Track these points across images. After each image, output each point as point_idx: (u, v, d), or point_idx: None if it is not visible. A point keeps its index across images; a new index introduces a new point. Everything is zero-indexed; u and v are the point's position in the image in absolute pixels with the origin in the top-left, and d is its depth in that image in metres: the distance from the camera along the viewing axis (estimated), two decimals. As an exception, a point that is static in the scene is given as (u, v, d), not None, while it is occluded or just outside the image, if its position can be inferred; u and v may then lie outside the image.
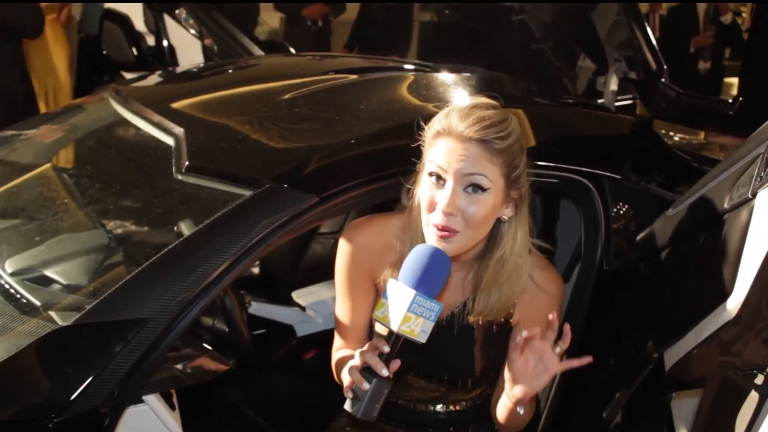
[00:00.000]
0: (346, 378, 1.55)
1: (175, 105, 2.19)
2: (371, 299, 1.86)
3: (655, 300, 1.97)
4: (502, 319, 1.81)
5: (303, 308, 2.65)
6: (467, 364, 1.82)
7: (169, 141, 1.97)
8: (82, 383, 1.51)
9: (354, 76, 2.32)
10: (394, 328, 1.48)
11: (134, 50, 4.21)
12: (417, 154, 1.74)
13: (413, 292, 1.47)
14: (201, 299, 1.64)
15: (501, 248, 1.70)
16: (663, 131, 3.27)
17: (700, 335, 1.68)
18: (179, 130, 1.96)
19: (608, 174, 2.14)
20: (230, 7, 3.76)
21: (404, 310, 1.47)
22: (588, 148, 2.25)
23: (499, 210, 1.65)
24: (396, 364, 1.52)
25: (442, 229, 1.57)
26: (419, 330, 1.48)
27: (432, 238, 1.60)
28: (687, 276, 1.82)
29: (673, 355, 1.81)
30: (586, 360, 1.56)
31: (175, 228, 1.85)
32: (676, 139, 3.40)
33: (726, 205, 1.65)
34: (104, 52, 4.51)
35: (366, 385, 1.49)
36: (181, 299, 1.60)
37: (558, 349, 1.55)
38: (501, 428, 1.83)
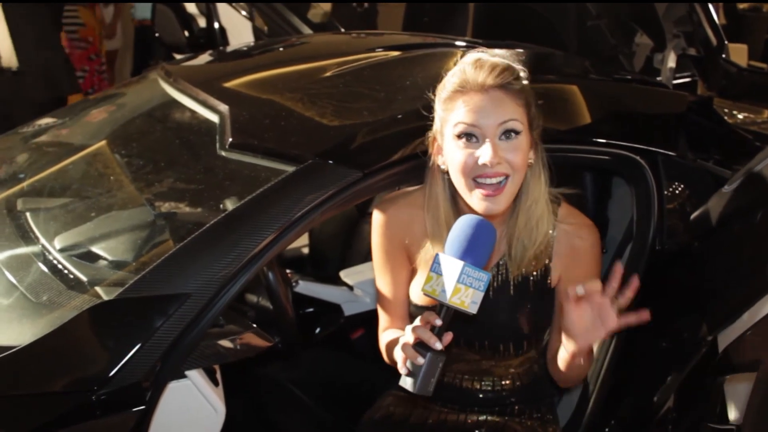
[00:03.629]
0: (399, 355, 1.54)
1: (221, 83, 2.19)
2: (408, 272, 1.87)
3: (709, 281, 1.91)
4: (538, 276, 1.81)
5: (351, 287, 2.64)
6: (506, 326, 1.81)
7: (215, 118, 1.97)
8: (123, 357, 1.52)
9: (399, 53, 2.29)
10: (445, 300, 1.47)
11: (186, 32, 4.23)
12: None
13: (461, 263, 1.47)
14: (243, 275, 1.64)
15: (530, 194, 1.72)
16: (726, 110, 3.16)
17: (755, 317, 1.62)
18: (224, 108, 1.96)
19: (662, 151, 2.08)
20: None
21: (454, 281, 1.46)
22: (641, 125, 2.18)
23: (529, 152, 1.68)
24: (448, 336, 1.52)
25: (494, 176, 1.59)
26: (469, 301, 1.48)
27: (478, 201, 1.62)
28: (742, 255, 1.76)
29: (726, 338, 1.75)
30: (644, 316, 1.52)
31: (221, 206, 1.85)
32: (741, 117, 3.28)
33: (784, 181, 1.59)
34: (156, 35, 4.55)
35: (420, 360, 1.49)
36: (222, 274, 1.61)
37: (618, 305, 1.51)
38: (561, 380, 1.85)
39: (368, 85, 2.07)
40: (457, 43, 2.61)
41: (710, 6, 2.93)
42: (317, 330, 2.57)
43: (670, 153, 2.09)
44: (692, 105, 2.50)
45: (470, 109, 1.59)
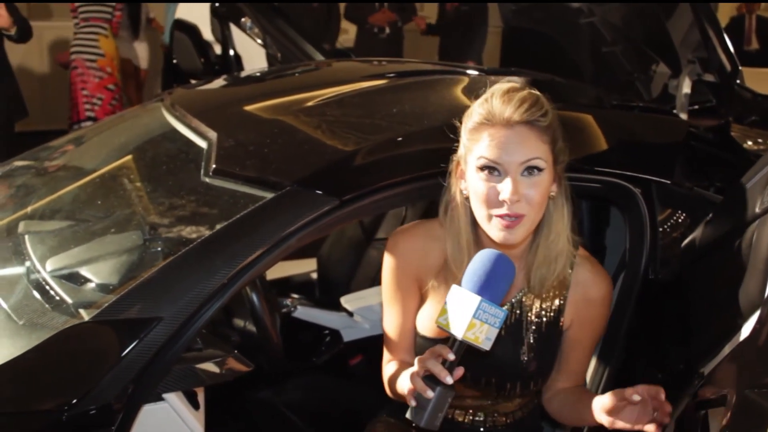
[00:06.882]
0: (405, 386, 1.51)
1: (216, 111, 2.23)
2: (417, 305, 1.83)
3: (696, 311, 1.87)
4: (552, 317, 1.78)
5: (350, 313, 2.64)
6: (515, 365, 1.77)
7: (204, 145, 2.01)
8: (94, 379, 1.54)
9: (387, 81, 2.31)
10: (459, 335, 1.43)
11: (202, 59, 4.31)
12: (443, 157, 1.71)
13: (478, 298, 1.42)
14: (217, 300, 1.66)
15: (551, 227, 1.70)
16: (760, 139, 3.08)
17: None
18: (213, 135, 2.00)
19: (656, 179, 2.04)
20: (304, 18, 3.82)
21: (469, 316, 1.42)
22: (635, 152, 2.15)
23: (551, 187, 1.66)
24: (460, 371, 1.47)
25: (512, 215, 1.57)
26: (484, 337, 1.43)
27: (496, 231, 1.60)
28: (721, 285, 1.72)
29: (709, 370, 1.71)
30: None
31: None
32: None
33: (757, 210, 1.56)
34: (174, 61, 4.65)
35: (430, 394, 1.44)
36: (196, 299, 1.63)
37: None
38: (561, 422, 1.88)
39: (354, 113, 2.08)
40: (468, 71, 2.61)
41: (724, 33, 2.89)
42: (316, 355, 2.58)
43: (665, 181, 2.06)
44: (703, 132, 2.46)
45: (494, 144, 1.57)
